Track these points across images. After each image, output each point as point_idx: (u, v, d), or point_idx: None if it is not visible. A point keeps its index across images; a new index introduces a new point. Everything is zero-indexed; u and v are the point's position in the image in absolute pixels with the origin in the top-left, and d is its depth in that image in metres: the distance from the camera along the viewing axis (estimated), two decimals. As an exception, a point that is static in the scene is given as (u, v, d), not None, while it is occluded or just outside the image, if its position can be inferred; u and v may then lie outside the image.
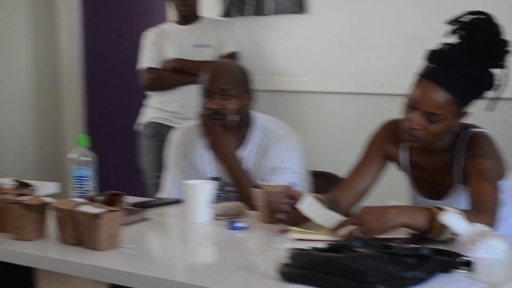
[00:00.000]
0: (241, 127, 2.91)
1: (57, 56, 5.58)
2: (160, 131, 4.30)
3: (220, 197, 2.87)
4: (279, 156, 2.87)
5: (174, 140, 3.10)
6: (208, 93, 2.89)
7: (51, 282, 4.56)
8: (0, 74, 5.44)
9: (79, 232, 2.23)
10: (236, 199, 2.82)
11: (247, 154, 2.91)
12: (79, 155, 2.63)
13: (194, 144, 3.00)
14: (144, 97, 4.48)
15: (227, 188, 2.92)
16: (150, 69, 4.35)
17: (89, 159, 2.64)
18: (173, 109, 4.32)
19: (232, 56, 4.32)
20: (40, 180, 3.56)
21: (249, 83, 2.95)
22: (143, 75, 4.36)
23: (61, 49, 5.55)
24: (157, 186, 4.28)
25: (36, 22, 5.60)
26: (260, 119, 2.97)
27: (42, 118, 5.66)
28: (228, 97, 2.86)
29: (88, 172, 2.64)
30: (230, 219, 2.55)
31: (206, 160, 2.96)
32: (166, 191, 3.06)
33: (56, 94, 5.62)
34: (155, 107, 4.39)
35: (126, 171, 5.21)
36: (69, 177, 5.24)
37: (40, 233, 2.35)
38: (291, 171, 2.85)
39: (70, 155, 2.64)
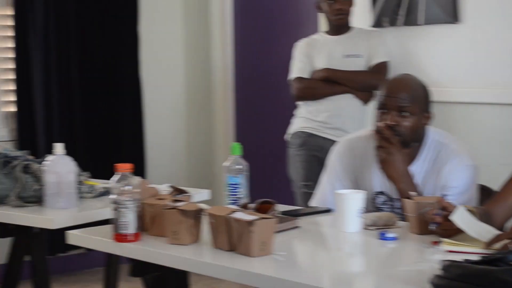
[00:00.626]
0: (414, 143, 2.87)
1: (209, 66, 5.72)
2: (309, 141, 4.34)
3: (384, 211, 2.85)
4: (450, 174, 2.82)
5: (337, 150, 3.08)
6: (385, 108, 2.85)
7: (200, 286, 4.67)
8: (155, 83, 5.64)
9: (232, 238, 2.29)
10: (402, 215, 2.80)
11: (418, 169, 2.86)
12: (233, 163, 2.70)
13: (360, 156, 2.98)
14: (294, 107, 4.53)
15: (393, 204, 2.90)
16: (299, 79, 4.39)
17: (242, 167, 2.70)
18: (322, 119, 4.34)
19: (383, 65, 4.31)
20: (190, 187, 3.66)
21: (429, 101, 2.89)
22: (293, 84, 4.41)
23: (214, 59, 5.69)
24: (305, 196, 4.33)
25: (190, 32, 5.78)
26: (433, 133, 2.92)
27: (194, 126, 5.82)
28: (404, 114, 2.82)
29: (241, 180, 2.70)
30: (380, 229, 2.55)
31: (372, 173, 2.94)
32: (318, 200, 3.08)
33: (208, 103, 5.77)
34: (304, 117, 4.42)
35: (275, 180, 5.27)
36: (219, 184, 5.38)
37: (195, 238, 2.42)
38: (460, 190, 2.80)
39: (224, 163, 2.71)
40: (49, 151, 4.67)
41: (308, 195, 4.31)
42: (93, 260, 5.41)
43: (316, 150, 4.31)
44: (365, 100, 4.36)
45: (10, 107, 5.13)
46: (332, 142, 4.27)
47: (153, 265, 2.44)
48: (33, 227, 3.03)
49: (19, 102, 5.07)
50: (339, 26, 4.40)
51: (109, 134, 5.37)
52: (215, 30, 5.68)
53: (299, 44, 4.49)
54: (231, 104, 5.64)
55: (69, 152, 3.12)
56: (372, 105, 4.20)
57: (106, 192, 3.28)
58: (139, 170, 5.43)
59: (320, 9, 4.45)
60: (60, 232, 3.01)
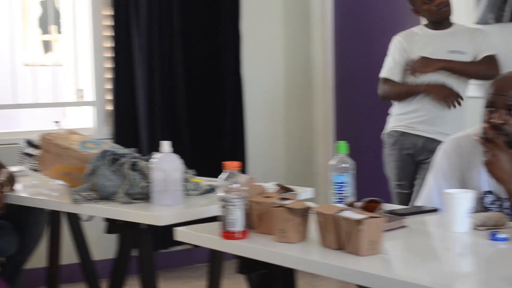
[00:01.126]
0: None
1: (309, 64, 5.72)
2: (401, 140, 4.28)
3: (492, 211, 2.79)
4: None
5: (444, 149, 3.03)
6: (492, 106, 2.79)
7: (299, 284, 4.66)
8: (255, 81, 5.67)
9: (340, 236, 2.28)
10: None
11: None
12: (339, 162, 2.69)
13: (467, 155, 2.93)
14: (391, 105, 4.48)
15: (502, 203, 2.84)
16: (386, 80, 4.33)
17: (348, 165, 2.69)
18: (413, 118, 4.28)
19: (493, 58, 4.20)
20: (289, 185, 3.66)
21: None
22: (379, 84, 4.37)
23: (314, 56, 5.69)
24: (398, 196, 4.30)
25: (290, 30, 5.79)
26: None
27: (294, 124, 5.82)
28: None
29: (347, 179, 2.69)
30: (490, 229, 2.50)
31: (479, 172, 2.87)
32: (424, 199, 3.04)
33: (308, 101, 5.76)
34: (396, 115, 4.36)
35: (375, 179, 5.23)
36: (319, 183, 5.36)
37: (302, 237, 2.42)
38: None
39: (330, 162, 2.70)
40: (151, 149, 4.79)
41: (401, 195, 4.29)
42: (194, 256, 5.48)
43: (409, 148, 4.26)
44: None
45: (121, 105, 5.23)
46: (425, 139, 4.23)
47: (259, 263, 2.45)
48: (140, 223, 3.08)
49: (121, 101, 5.16)
50: (444, 19, 4.28)
51: (210, 132, 5.43)
52: (315, 27, 5.67)
53: (396, 38, 4.41)
54: (330, 102, 5.62)
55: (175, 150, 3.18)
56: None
57: (211, 190, 3.32)
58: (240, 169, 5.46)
59: (418, 13, 4.34)
60: (162, 229, 3.07)
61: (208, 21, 5.37)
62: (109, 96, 5.25)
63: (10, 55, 5.17)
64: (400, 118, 4.33)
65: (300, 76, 5.77)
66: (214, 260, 3.49)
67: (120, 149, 3.38)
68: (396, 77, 4.33)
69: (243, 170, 5.33)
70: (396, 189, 4.31)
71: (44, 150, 3.53)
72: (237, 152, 5.50)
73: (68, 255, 4.53)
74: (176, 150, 3.18)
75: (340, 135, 5.56)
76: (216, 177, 3.61)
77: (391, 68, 4.35)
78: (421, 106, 4.25)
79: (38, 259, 4.24)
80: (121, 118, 5.17)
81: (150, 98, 5.16)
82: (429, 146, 4.17)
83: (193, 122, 5.34)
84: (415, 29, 4.42)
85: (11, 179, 3.53)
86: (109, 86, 5.24)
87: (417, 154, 4.26)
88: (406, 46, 4.33)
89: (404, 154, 4.29)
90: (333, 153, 5.39)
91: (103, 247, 5.09)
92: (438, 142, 4.14)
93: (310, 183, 5.32)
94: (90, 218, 3.79)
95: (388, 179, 4.42)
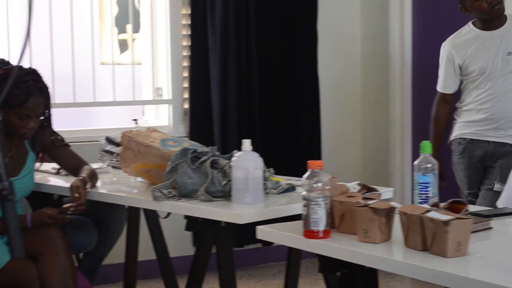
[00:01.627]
0: None
1: (387, 63, 5.68)
2: (470, 147, 4.17)
3: None
4: None
5: None
6: None
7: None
8: (332, 80, 5.65)
9: (426, 237, 2.25)
10: None
11: None
12: (423, 162, 2.66)
13: None
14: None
15: None
16: (443, 96, 4.25)
17: (432, 165, 2.66)
18: (482, 125, 4.15)
19: None
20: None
21: None
22: (436, 98, 4.29)
23: (392, 56, 5.64)
24: (471, 204, 4.19)
25: (367, 29, 5.75)
26: None
27: (370, 124, 5.79)
28: None
29: (431, 179, 2.66)
30: None
31: None
32: (505, 200, 3.00)
33: (385, 100, 5.72)
34: (463, 122, 4.22)
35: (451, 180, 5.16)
36: (395, 183, 5.31)
37: (386, 237, 2.40)
38: None
39: (415, 162, 2.67)
40: (225, 147, 4.82)
41: (473, 203, 4.19)
42: (268, 255, 5.49)
43: (479, 156, 4.15)
44: None
45: (198, 104, 5.26)
46: (496, 144, 4.11)
47: (341, 262, 2.44)
48: (220, 221, 3.09)
49: (196, 99, 5.20)
50: (495, 19, 4.08)
51: (285, 131, 5.43)
52: (393, 26, 5.62)
53: (443, 47, 4.24)
54: (408, 101, 5.57)
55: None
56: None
57: (290, 188, 3.32)
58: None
59: (467, 11, 4.13)
60: (236, 227, 3.08)
61: (284, 20, 5.37)
62: (186, 95, 5.29)
63: (88, 54, 5.24)
64: (468, 125, 4.20)
65: (378, 75, 5.73)
66: (292, 259, 3.48)
67: (200, 147, 3.40)
68: (449, 89, 4.23)
69: (318, 170, 5.38)
70: (468, 197, 4.20)
71: (125, 148, 3.58)
72: (312, 151, 5.49)
73: (146, 251, 4.58)
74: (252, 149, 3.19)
75: (417, 135, 5.50)
76: (290, 175, 3.64)
77: (445, 80, 4.24)
78: (490, 114, 4.14)
79: (116, 255, 4.30)
80: (197, 116, 5.21)
81: (225, 97, 5.18)
82: (500, 150, 4.08)
83: (268, 121, 5.35)
84: (463, 30, 4.23)
85: (93, 176, 3.58)
86: (186, 84, 5.28)
87: (487, 160, 4.16)
88: (454, 55, 4.17)
89: (474, 162, 4.17)
90: (410, 153, 5.40)
91: (180, 244, 5.14)
92: (508, 145, 4.06)
93: (386, 183, 5.29)
94: (168, 215, 3.83)
95: (458, 186, 4.32)
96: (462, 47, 4.16)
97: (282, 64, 5.39)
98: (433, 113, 4.32)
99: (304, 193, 2.47)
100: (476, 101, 4.16)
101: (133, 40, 7.41)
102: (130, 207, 4.03)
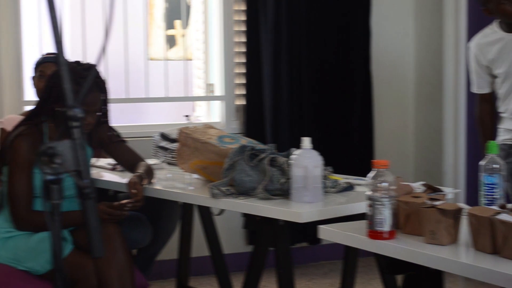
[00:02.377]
0: None
1: (440, 61, 5.60)
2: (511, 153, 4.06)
3: None
4: None
5: None
6: None
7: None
8: (384, 78, 5.60)
9: (496, 240, 2.20)
10: None
11: None
12: (489, 162, 2.60)
13: None
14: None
15: None
16: (481, 96, 4.13)
17: (499, 166, 2.60)
18: None
19: None
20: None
21: None
22: (476, 100, 4.19)
23: (446, 54, 5.56)
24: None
25: (421, 27, 5.69)
26: None
27: (423, 122, 5.72)
28: None
29: (497, 180, 2.60)
30: None
31: None
32: None
33: (438, 98, 5.65)
34: (505, 128, 4.08)
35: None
36: (449, 183, 5.23)
37: (453, 239, 2.35)
38: None
39: (481, 162, 2.62)
40: (277, 144, 4.78)
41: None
42: (318, 253, 5.46)
43: None
44: None
45: (242, 101, 5.26)
46: None
47: (406, 264, 2.40)
48: (278, 219, 3.06)
49: (248, 96, 5.18)
50: None
51: (337, 129, 5.38)
52: (448, 23, 5.53)
53: (470, 47, 4.11)
54: (462, 100, 5.48)
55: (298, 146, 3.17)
56: None
57: (349, 187, 3.28)
58: (368, 165, 5.41)
59: (491, 13, 3.95)
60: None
61: (337, 17, 5.33)
62: (238, 91, 5.27)
63: (137, 50, 5.25)
64: (507, 131, 4.06)
65: (431, 73, 5.66)
66: (349, 258, 3.44)
67: (258, 145, 3.37)
68: (484, 89, 4.11)
69: (370, 169, 5.33)
70: None
71: (182, 144, 3.56)
72: (365, 150, 5.44)
73: (199, 248, 4.57)
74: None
75: (471, 134, 5.42)
76: (342, 173, 3.59)
77: (476, 82, 4.11)
78: None
79: (169, 251, 4.30)
80: (251, 113, 5.18)
81: (277, 94, 5.15)
82: None
83: (320, 118, 5.31)
84: (488, 31, 4.06)
85: (149, 172, 3.58)
86: (238, 81, 5.26)
87: None
88: (480, 55, 4.05)
89: None
90: (464, 152, 5.32)
91: (233, 241, 5.13)
92: None
93: (439, 183, 5.21)
94: (221, 212, 3.81)
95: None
96: (486, 48, 4.03)
97: (334, 60, 5.35)
98: (476, 115, 4.22)
99: (369, 192, 2.43)
100: (507, 110, 4.05)
101: (182, 35, 7.42)
102: (184, 203, 4.02)
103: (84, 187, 1.26)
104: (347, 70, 5.39)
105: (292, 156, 3.06)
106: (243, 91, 5.26)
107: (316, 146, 4.95)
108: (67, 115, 1.27)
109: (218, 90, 5.28)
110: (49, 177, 1.27)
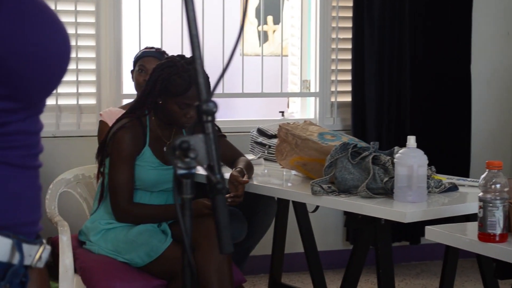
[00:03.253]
0: None
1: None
2: None
3: None
4: None
5: None
6: None
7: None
8: (484, 76, 5.49)
9: None
10: None
11: None
12: None
13: None
14: None
15: None
16: None
17: None
18: None
19: None
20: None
21: None
22: None
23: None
24: None
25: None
26: None
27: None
28: None
29: None
30: None
31: None
32: None
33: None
34: None
35: None
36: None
37: None
38: None
39: None
40: (380, 142, 4.72)
41: None
42: (410, 254, 5.39)
43: None
44: None
45: (346, 97, 5.20)
46: None
47: (517, 268, 2.34)
48: (379, 218, 3.02)
49: (354, 93, 5.13)
50: None
51: (436, 127, 5.30)
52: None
53: None
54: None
55: (400, 145, 3.12)
56: None
57: (453, 188, 3.21)
58: (464, 165, 5.33)
59: None
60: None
61: (440, 15, 5.25)
62: (333, 88, 5.23)
63: (231, 46, 5.25)
64: None
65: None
66: (451, 260, 3.38)
67: (360, 142, 3.34)
68: None
69: (467, 168, 5.24)
70: None
71: (282, 140, 3.55)
72: (462, 149, 5.35)
73: (292, 244, 4.55)
74: (402, 145, 3.11)
75: None
76: (442, 173, 3.53)
77: None
78: None
79: (263, 246, 4.29)
80: (354, 110, 5.13)
81: (379, 91, 5.09)
82: None
83: (419, 117, 5.23)
84: None
85: (249, 168, 3.58)
86: (333, 77, 5.23)
87: None
88: None
89: None
90: None
91: (326, 238, 5.11)
92: None
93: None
94: (316, 209, 3.79)
95: None
96: None
97: (435, 60, 5.26)
98: None
99: (480, 194, 2.37)
100: None
101: (274, 31, 7.41)
102: (279, 199, 4.01)
103: (216, 182, 1.25)
104: (447, 69, 5.30)
105: (397, 155, 3.02)
106: (339, 88, 5.21)
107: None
108: (201, 109, 1.26)
109: (313, 87, 5.25)
110: (181, 172, 1.26)
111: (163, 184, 3.44)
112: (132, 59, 4.25)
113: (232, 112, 6.31)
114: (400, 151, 3.02)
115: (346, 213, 3.35)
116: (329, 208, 3.76)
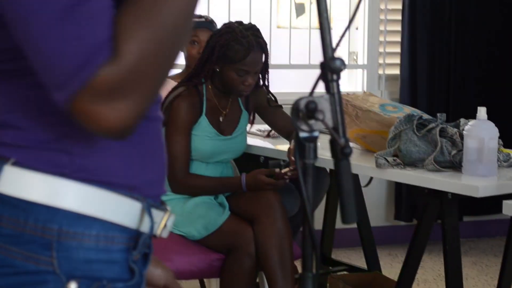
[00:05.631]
0: None
1: None
2: None
3: None
4: None
5: None
6: None
7: None
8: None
9: None
10: None
11: None
12: None
13: None
14: None
15: None
16: None
17: None
18: None
19: None
20: None
21: None
22: None
23: None
24: None
25: None
26: None
27: None
28: None
29: None
30: None
31: None
32: None
33: None
34: None
35: None
36: None
37: None
38: None
39: None
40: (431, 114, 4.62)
41: None
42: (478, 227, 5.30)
43: None
44: None
45: (387, 69, 5.11)
46: None
47: None
48: (447, 192, 2.93)
49: (403, 65, 5.02)
50: None
51: (497, 103, 5.15)
52: None
53: None
54: None
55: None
56: None
57: (523, 161, 3.11)
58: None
59: None
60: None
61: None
62: (381, 60, 5.12)
63: (265, 17, 5.15)
64: None
65: None
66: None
67: (425, 115, 3.23)
68: None
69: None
70: None
71: (340, 112, 3.45)
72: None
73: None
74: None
75: None
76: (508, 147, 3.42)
77: None
78: None
79: (315, 221, 4.20)
80: (405, 82, 5.03)
81: (431, 63, 4.98)
82: None
83: (479, 92, 5.10)
84: None
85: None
86: (381, 49, 5.12)
87: None
88: None
89: None
90: None
91: (379, 214, 5.03)
92: None
93: None
94: (369, 183, 3.70)
95: None
96: None
97: (498, 28, 5.13)
98: None
99: None
100: None
101: (311, 3, 7.28)
102: (331, 172, 3.92)
103: (343, 146, 1.16)
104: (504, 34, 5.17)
105: (466, 127, 2.92)
106: (388, 61, 5.11)
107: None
108: (328, 66, 1.17)
109: (361, 59, 5.14)
110: (304, 135, 1.17)
111: (219, 155, 3.36)
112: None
113: (279, 84, 6.20)
114: (470, 123, 2.92)
115: (410, 187, 3.26)
116: (377, 183, 3.66)
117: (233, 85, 3.29)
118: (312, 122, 1.19)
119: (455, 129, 3.03)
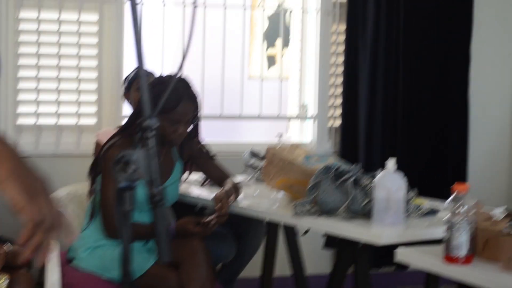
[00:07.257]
0: None
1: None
2: None
3: None
4: None
5: None
6: None
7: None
8: (482, 104, 5.53)
9: None
10: None
11: None
12: None
13: None
14: None
15: None
16: None
17: None
18: None
19: None
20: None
21: None
22: None
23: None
24: None
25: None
26: None
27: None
28: None
29: None
30: None
31: None
32: None
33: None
34: None
35: None
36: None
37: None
38: None
39: None
40: (369, 165, 4.78)
41: None
42: (404, 278, 5.41)
43: None
44: None
45: (337, 121, 5.29)
46: None
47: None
48: (357, 241, 3.08)
49: (344, 116, 5.20)
50: None
51: (431, 151, 5.34)
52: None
53: None
54: None
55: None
56: None
57: (431, 212, 3.27)
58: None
59: None
60: (374, 248, 3.06)
61: (435, 40, 5.30)
62: (331, 112, 5.30)
63: (237, 68, 5.33)
64: None
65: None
66: (429, 284, 3.42)
67: (344, 165, 3.40)
68: None
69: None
70: None
71: (268, 162, 3.62)
72: (458, 173, 5.37)
73: (282, 267, 4.58)
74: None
75: None
76: (435, 196, 3.57)
77: None
78: None
79: (252, 268, 4.33)
80: (345, 134, 5.20)
81: (371, 115, 5.14)
82: None
83: (413, 141, 5.28)
84: None
85: (236, 189, 3.64)
86: (332, 101, 5.30)
87: None
88: None
89: None
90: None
91: (317, 262, 5.12)
92: None
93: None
94: (306, 232, 3.84)
95: None
96: None
97: (431, 85, 5.31)
98: None
99: (447, 216, 2.43)
100: None
101: (282, 55, 7.48)
102: (269, 221, 4.06)
103: (155, 195, 1.32)
104: (444, 95, 5.34)
105: (376, 178, 3.08)
106: (338, 112, 5.29)
107: (408, 167, 4.96)
108: (143, 125, 1.34)
109: (312, 110, 5.33)
110: (122, 185, 1.34)
111: (151, 204, 3.51)
112: (128, 81, 4.32)
113: (238, 135, 6.36)
114: (379, 175, 3.08)
115: (325, 235, 3.40)
116: (321, 233, 3.78)
117: (165, 134, 3.46)
118: (128, 173, 1.35)
119: (370, 179, 3.19)
